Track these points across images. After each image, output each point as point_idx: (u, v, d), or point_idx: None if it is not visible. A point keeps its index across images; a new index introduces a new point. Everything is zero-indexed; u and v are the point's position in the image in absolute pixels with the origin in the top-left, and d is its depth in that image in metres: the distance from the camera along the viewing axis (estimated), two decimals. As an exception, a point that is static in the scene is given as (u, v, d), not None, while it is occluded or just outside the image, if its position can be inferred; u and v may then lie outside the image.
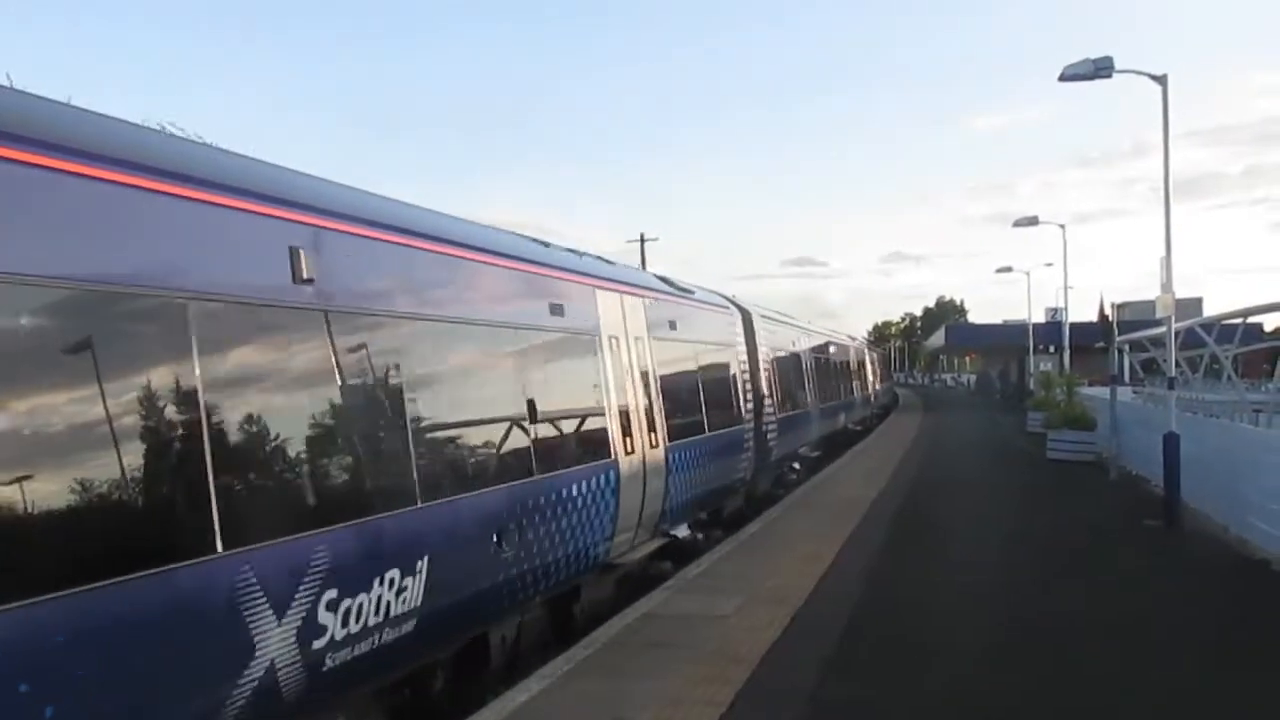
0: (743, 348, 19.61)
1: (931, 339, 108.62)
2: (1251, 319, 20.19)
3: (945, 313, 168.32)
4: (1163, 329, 19.14)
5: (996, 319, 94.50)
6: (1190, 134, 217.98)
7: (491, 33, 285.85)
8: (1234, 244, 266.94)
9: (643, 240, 62.34)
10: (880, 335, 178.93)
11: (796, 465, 25.58)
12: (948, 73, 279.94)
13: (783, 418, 22.58)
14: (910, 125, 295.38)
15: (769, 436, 20.90)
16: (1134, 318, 48.50)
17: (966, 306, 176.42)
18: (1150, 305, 23.02)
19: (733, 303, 20.81)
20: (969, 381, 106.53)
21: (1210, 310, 42.31)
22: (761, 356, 21.22)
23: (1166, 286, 18.10)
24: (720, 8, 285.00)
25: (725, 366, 18.28)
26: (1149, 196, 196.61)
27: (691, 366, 16.24)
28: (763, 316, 22.97)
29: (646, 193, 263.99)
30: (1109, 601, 11.72)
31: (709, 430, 16.06)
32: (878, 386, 56.89)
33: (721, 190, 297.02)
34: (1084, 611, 11.18)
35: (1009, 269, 55.28)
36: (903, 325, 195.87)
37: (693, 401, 15.75)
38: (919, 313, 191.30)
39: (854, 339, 49.52)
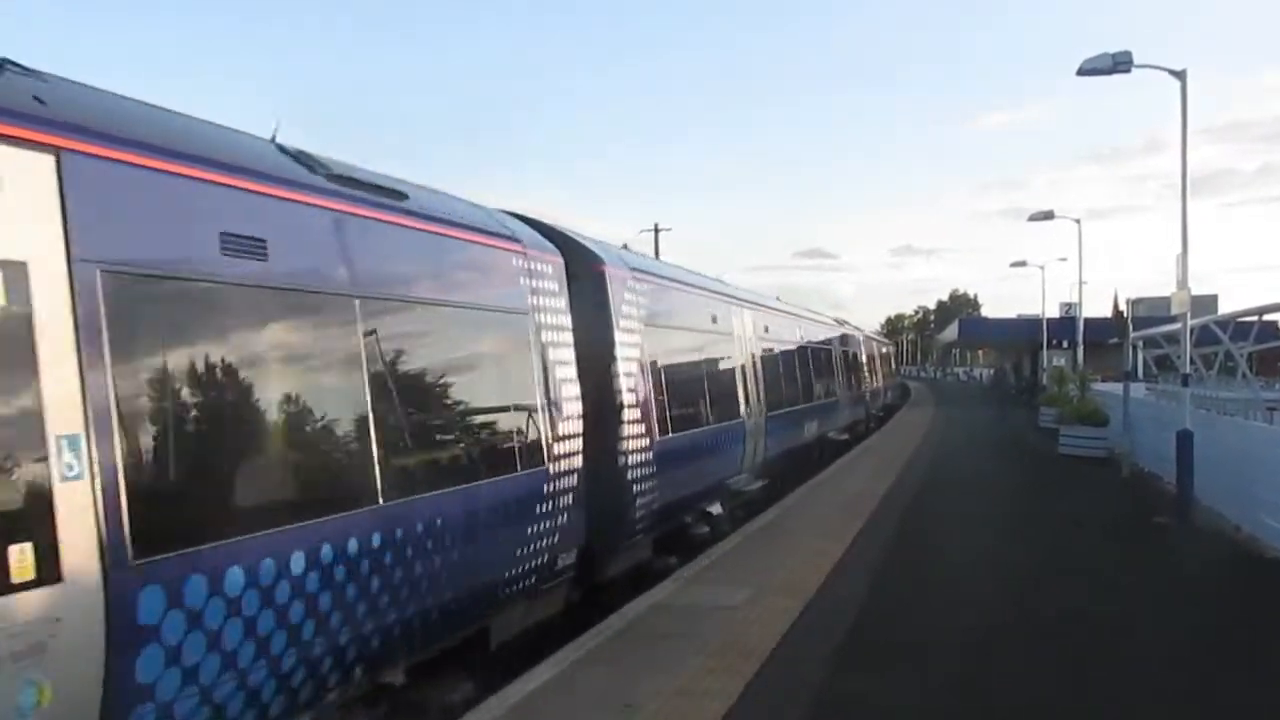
0: (565, 322, 10.95)
1: (945, 333, 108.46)
2: (1267, 317, 20.06)
3: (959, 306, 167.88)
4: (1177, 325, 19.06)
5: (1010, 313, 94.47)
6: (1204, 131, 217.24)
7: (504, 27, 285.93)
8: (1248, 241, 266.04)
9: (656, 230, 62.16)
10: (893, 328, 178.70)
11: (716, 510, 16.46)
12: (958, 68, 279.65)
13: (673, 441, 13.83)
14: (921, 120, 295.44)
15: (634, 475, 12.43)
16: (1148, 314, 48.32)
17: (980, 301, 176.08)
18: (1165, 301, 22.94)
19: (546, 233, 11.63)
20: (981, 376, 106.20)
21: (1225, 308, 42.17)
22: (626, 339, 12.60)
23: (1182, 283, 18.03)
24: (732, 6, 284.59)
25: (494, 356, 9.76)
26: (1162, 193, 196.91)
27: (340, 354, 7.47)
28: (639, 273, 13.76)
29: (661, 185, 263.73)
30: (1118, 599, 11.70)
31: (392, 497, 7.50)
32: (879, 383, 47.36)
33: (735, 183, 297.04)
34: (1093, 609, 11.17)
35: (1023, 263, 55.02)
36: (916, 318, 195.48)
37: (338, 437, 7.35)
38: (932, 306, 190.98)
39: (844, 323, 38.55)
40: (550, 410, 10.31)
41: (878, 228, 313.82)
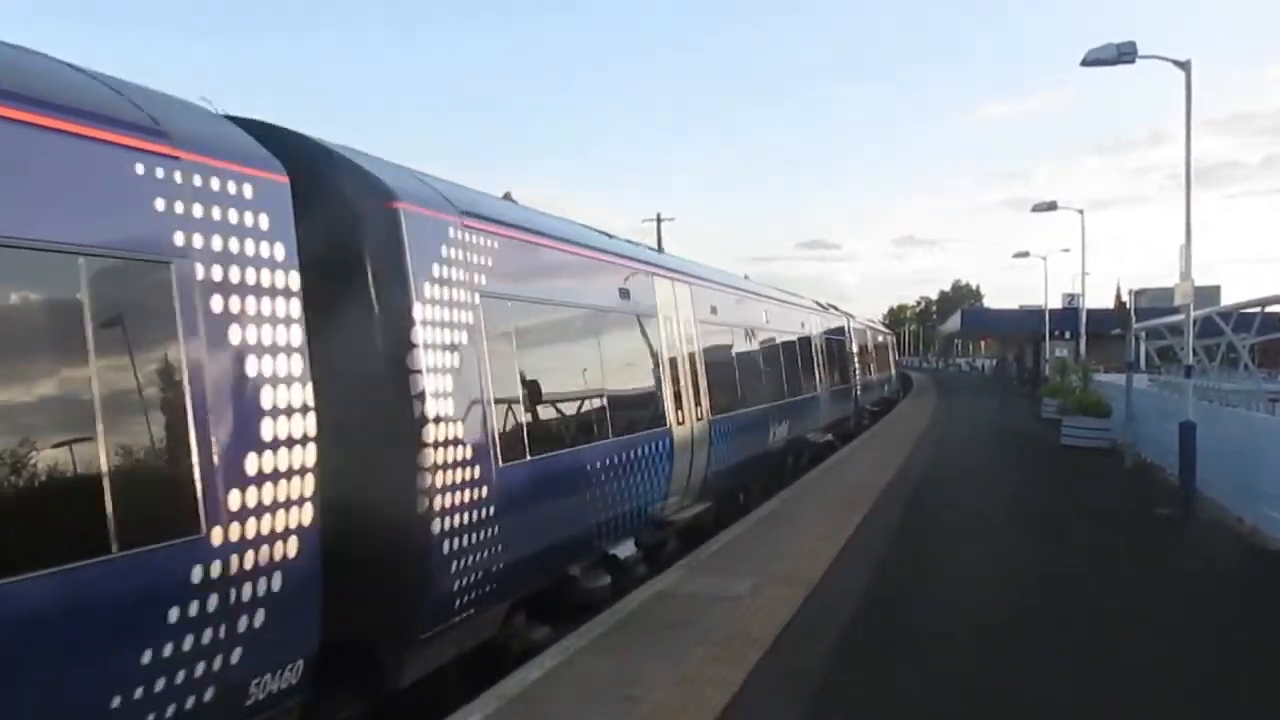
0: (284, 282, 6.77)
1: (947, 323, 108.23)
2: (1269, 308, 20.03)
3: (961, 297, 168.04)
4: (1180, 317, 19.07)
5: (1012, 304, 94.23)
6: (1207, 123, 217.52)
7: (504, 25, 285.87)
8: (1251, 233, 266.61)
9: (659, 220, 62.20)
10: (895, 319, 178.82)
11: (626, 552, 12.31)
12: (960, 59, 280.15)
13: (532, 467, 9.64)
14: (923, 110, 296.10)
15: (448, 525, 8.30)
16: (1151, 305, 48.25)
17: (982, 291, 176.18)
18: (1167, 293, 22.97)
19: (274, 141, 7.21)
20: (983, 367, 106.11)
21: (1228, 299, 42.12)
22: (443, 317, 8.54)
23: (1185, 274, 18.00)
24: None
25: (38, 338, 5.27)
26: (1165, 185, 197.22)
27: None
28: (478, 221, 9.53)
29: (665, 177, 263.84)
30: (1120, 592, 11.69)
31: None
32: (873, 375, 43.22)
33: (737, 174, 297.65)
34: (1095, 604, 11.15)
35: (1026, 254, 55.05)
36: (918, 309, 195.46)
37: None
38: (934, 296, 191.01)
39: (829, 308, 33.62)
40: (219, 432, 6.09)
41: (880, 218, 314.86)
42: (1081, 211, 40.52)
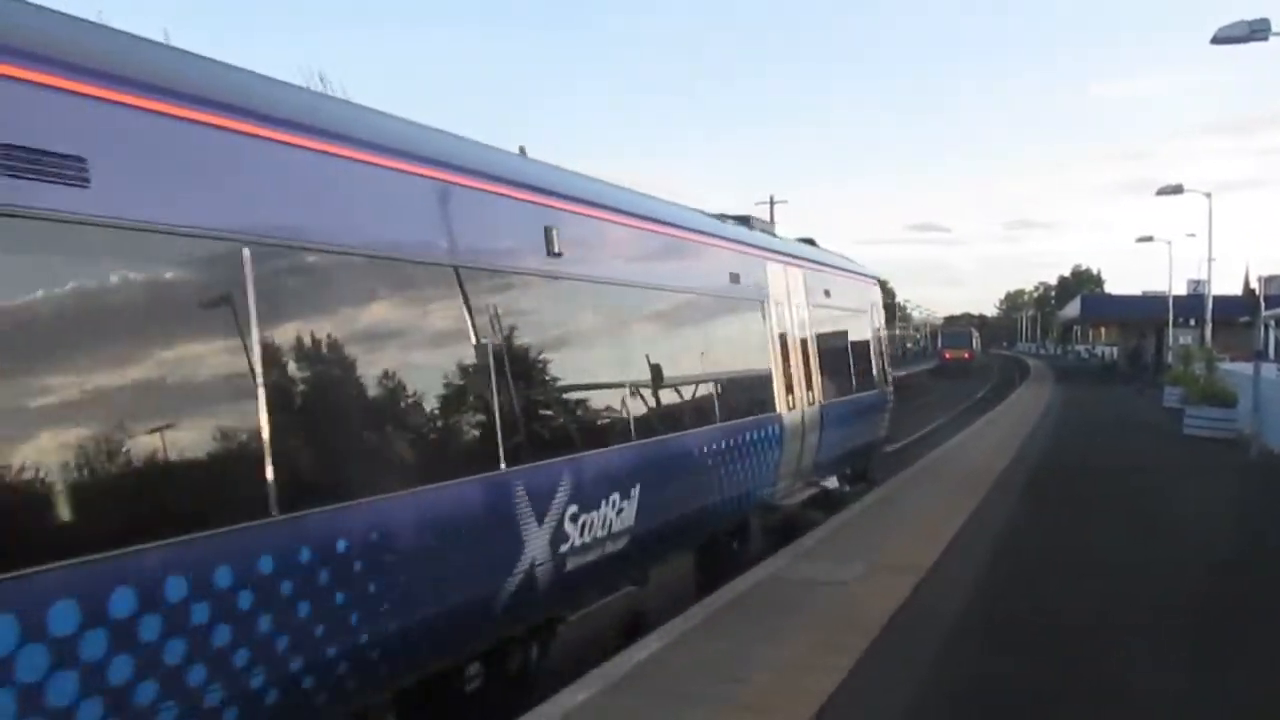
0: None
1: (1066, 309, 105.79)
2: None
3: (1081, 282, 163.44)
4: (1314, 304, 18.34)
5: (1134, 290, 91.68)
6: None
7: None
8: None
9: (772, 202, 61.80)
10: (1013, 304, 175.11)
11: None
12: (1073, 34, 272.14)
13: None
14: (1036, 90, 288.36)
15: None
16: (1283, 292, 46.49)
17: (1103, 277, 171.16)
18: (1301, 279, 22.08)
19: None
20: (1103, 354, 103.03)
21: (1367, 285, 40.32)
22: None
23: (1320, 260, 17.31)
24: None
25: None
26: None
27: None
28: None
29: (775, 157, 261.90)
30: (1245, 585, 11.30)
31: None
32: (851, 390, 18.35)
33: (847, 155, 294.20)
34: (1216, 595, 10.80)
35: (1150, 239, 53.37)
36: (1036, 294, 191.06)
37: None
38: (1052, 282, 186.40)
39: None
40: None
41: (991, 200, 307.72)
42: (1209, 195, 39.23)
